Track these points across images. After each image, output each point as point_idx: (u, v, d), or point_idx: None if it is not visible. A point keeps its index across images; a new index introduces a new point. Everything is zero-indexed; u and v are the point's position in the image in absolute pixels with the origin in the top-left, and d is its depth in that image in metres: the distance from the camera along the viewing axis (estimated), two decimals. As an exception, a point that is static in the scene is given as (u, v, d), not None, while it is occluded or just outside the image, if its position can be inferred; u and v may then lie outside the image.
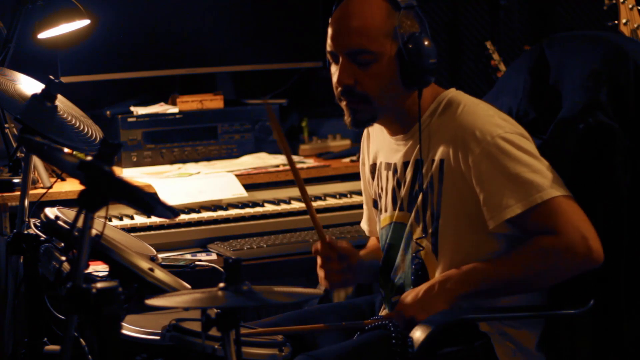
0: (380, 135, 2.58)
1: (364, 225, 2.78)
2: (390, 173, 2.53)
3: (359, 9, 2.38)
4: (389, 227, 2.54)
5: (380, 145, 2.59)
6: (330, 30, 2.43)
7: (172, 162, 3.68)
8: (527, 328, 2.43)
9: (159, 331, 2.27)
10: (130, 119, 3.62)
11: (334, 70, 2.43)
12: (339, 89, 2.40)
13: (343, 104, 2.42)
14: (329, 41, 2.43)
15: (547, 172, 2.32)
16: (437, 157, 2.40)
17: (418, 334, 2.26)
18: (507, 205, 2.30)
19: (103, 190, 1.89)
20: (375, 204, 2.63)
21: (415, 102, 2.41)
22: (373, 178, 2.62)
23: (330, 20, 2.43)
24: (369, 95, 2.38)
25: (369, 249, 2.72)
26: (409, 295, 2.37)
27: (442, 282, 2.34)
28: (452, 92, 2.46)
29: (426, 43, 2.37)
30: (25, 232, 2.58)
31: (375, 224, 2.68)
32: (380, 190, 2.58)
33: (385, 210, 2.56)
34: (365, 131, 2.67)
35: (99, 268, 2.72)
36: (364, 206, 2.76)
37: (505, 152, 2.32)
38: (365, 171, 2.69)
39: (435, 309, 2.32)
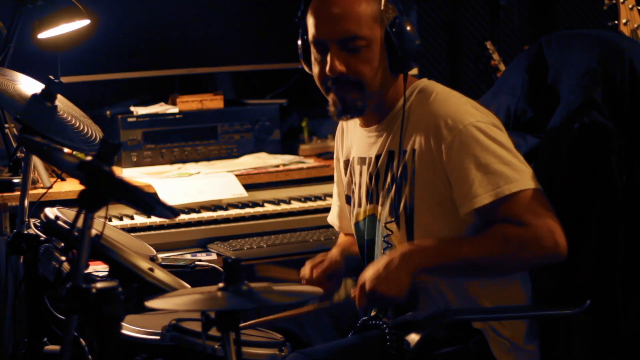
0: (353, 130, 2.57)
1: (333, 220, 2.76)
2: (365, 167, 2.51)
3: None
4: (364, 222, 2.52)
5: (354, 140, 2.57)
6: (313, 19, 2.37)
7: (172, 162, 3.68)
8: (512, 320, 2.41)
9: (159, 331, 2.27)
10: (130, 119, 3.63)
11: (319, 59, 2.38)
12: (330, 78, 2.36)
13: (331, 95, 2.39)
14: (312, 30, 2.37)
15: (517, 165, 2.30)
16: (409, 147, 2.38)
17: (414, 336, 2.26)
18: (475, 195, 2.28)
19: (103, 190, 1.90)
20: (348, 199, 2.61)
21: (394, 89, 2.41)
22: (346, 174, 2.61)
23: (310, 9, 2.38)
24: (361, 81, 2.36)
25: (342, 245, 2.68)
26: (370, 269, 2.32)
27: (403, 255, 2.29)
28: (425, 81, 2.45)
29: (409, 27, 2.36)
30: (25, 232, 2.58)
31: (346, 220, 2.66)
32: (353, 185, 2.57)
33: (359, 205, 2.54)
34: (339, 126, 2.65)
35: (99, 268, 2.72)
36: (336, 202, 2.73)
37: (476, 140, 2.30)
38: (339, 167, 2.68)
39: (397, 281, 2.27)
